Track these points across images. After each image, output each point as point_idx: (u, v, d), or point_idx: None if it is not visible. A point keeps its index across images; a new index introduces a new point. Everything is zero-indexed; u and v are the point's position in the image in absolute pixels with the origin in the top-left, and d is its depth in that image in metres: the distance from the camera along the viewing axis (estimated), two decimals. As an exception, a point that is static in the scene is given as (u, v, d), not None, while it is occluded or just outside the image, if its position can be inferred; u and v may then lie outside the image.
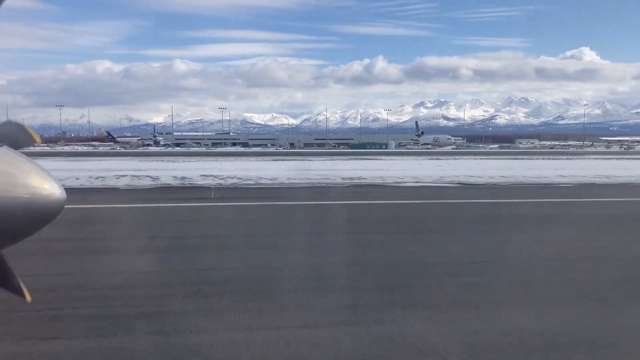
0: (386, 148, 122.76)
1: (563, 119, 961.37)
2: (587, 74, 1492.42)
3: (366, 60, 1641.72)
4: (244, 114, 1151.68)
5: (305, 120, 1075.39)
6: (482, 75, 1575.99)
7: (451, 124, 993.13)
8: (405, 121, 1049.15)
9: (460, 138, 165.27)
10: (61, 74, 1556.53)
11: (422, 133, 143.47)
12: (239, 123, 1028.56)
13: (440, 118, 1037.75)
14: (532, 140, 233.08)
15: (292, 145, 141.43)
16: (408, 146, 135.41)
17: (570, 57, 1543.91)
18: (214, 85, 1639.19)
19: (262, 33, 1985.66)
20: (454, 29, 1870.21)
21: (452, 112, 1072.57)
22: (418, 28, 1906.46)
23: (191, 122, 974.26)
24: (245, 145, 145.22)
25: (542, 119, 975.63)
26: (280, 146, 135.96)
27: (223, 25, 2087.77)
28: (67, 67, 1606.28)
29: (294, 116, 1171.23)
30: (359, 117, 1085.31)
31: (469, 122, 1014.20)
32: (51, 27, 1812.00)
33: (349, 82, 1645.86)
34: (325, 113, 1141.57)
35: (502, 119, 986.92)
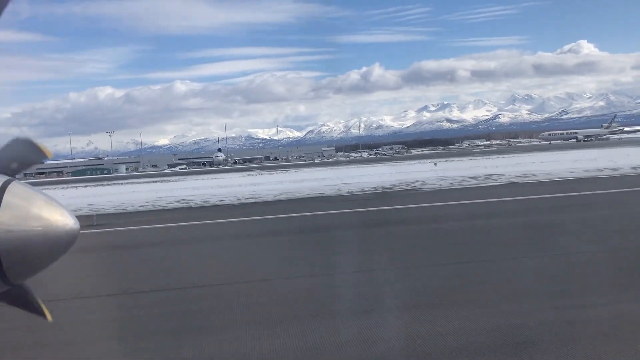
0: (109, 173, 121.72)
1: (567, 113, 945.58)
2: (587, 67, 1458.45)
3: (366, 69, 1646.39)
4: (249, 130, 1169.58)
5: (309, 132, 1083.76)
6: (483, 76, 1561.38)
7: (454, 126, 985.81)
8: (408, 126, 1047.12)
9: (332, 148, 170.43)
10: (65, 103, 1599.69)
11: (220, 150, 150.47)
12: (243, 140, 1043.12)
13: (443, 121, 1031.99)
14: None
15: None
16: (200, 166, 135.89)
17: (569, 51, 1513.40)
18: (217, 103, 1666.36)
19: (260, 49, 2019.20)
20: (449, 31, 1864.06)
21: (456, 114, 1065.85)
22: (415, 33, 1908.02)
23: (196, 142, 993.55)
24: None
25: (546, 115, 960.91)
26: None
27: (221, 44, 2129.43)
28: (70, 95, 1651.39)
29: (299, 129, 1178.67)
30: (363, 125, 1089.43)
31: (473, 122, 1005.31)
32: (52, 58, 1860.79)
33: (350, 91, 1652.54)
34: (328, 124, 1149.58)
35: (505, 118, 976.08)
